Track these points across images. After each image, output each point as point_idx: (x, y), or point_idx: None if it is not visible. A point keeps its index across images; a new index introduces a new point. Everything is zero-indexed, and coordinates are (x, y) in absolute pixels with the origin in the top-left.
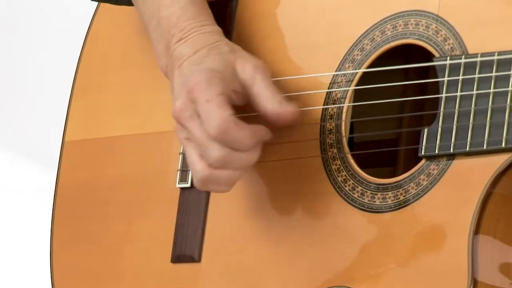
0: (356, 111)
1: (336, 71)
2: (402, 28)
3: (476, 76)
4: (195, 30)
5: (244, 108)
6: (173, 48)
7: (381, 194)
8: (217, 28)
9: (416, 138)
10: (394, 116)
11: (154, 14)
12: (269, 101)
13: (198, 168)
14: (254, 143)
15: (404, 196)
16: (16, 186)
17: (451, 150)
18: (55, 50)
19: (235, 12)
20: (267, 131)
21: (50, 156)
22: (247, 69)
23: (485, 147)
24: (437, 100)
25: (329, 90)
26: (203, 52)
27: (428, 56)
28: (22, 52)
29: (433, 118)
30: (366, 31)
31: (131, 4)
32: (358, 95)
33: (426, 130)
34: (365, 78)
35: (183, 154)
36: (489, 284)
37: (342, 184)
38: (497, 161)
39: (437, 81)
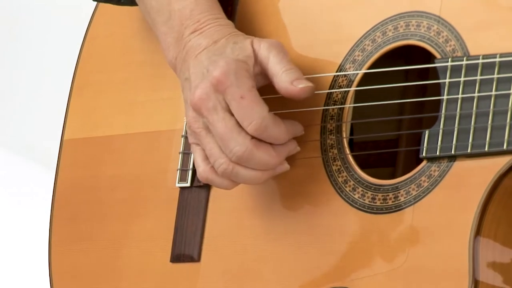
0: (356, 112)
1: (337, 71)
2: (404, 29)
3: (478, 78)
4: (210, 22)
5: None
6: (187, 40)
7: (382, 195)
8: (230, 22)
9: (416, 139)
10: (394, 118)
11: (163, 8)
12: (279, 78)
13: (222, 160)
14: (287, 138)
15: (405, 197)
16: (15, 185)
17: (452, 152)
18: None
19: (236, 11)
20: (301, 127)
21: (49, 155)
22: (263, 48)
23: (486, 149)
24: (438, 102)
25: (330, 90)
26: (222, 43)
27: (429, 58)
28: (21, 51)
29: (433, 119)
30: (367, 31)
31: (133, 4)
32: (358, 96)
33: (427, 131)
34: (366, 79)
35: (183, 153)
36: (490, 285)
37: (343, 185)
38: (499, 163)
39: (438, 83)
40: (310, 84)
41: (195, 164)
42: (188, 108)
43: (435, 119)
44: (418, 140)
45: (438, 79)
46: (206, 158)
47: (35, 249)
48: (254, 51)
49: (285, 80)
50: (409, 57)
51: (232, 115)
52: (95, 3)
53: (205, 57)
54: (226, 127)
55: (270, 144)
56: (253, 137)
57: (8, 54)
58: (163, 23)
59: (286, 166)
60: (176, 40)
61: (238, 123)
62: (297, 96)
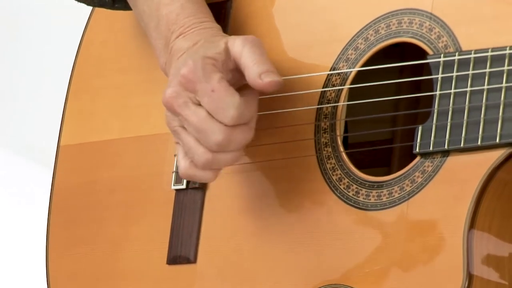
0: (350, 111)
1: (330, 70)
2: (396, 27)
3: (470, 72)
4: (195, 26)
5: None
6: (172, 44)
7: (376, 192)
8: (216, 25)
9: (410, 139)
10: (388, 115)
11: (153, 13)
12: (249, 70)
13: (199, 152)
14: (256, 111)
15: (399, 193)
16: (15, 185)
17: (446, 147)
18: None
19: (230, 13)
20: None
21: (49, 155)
22: (237, 43)
23: (479, 143)
24: (432, 99)
25: (324, 89)
26: (200, 43)
27: (422, 56)
28: (21, 51)
29: (427, 116)
30: (360, 30)
31: (128, 8)
32: (352, 94)
33: (420, 127)
34: (360, 77)
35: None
36: (485, 279)
37: (337, 183)
38: (492, 157)
39: (431, 80)
40: (277, 78)
41: (177, 161)
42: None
43: (429, 116)
44: (412, 140)
45: (430, 75)
46: (186, 154)
47: (35, 249)
48: (227, 48)
49: (254, 72)
50: (402, 56)
51: (203, 107)
52: (91, 8)
53: (182, 59)
54: (199, 118)
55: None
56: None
57: (8, 54)
58: (154, 28)
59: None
60: (165, 45)
61: (209, 113)
62: (264, 90)
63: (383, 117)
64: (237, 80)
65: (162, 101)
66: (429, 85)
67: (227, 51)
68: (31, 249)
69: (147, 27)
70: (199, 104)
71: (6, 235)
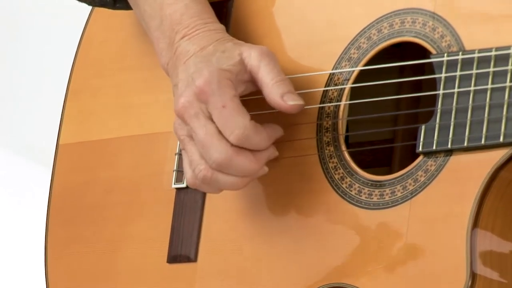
0: (351, 110)
1: (332, 69)
2: (399, 26)
3: (474, 72)
4: (199, 28)
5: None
6: (177, 45)
7: (379, 191)
8: (220, 26)
9: (412, 138)
10: (390, 114)
11: (156, 13)
12: (270, 89)
13: (200, 167)
14: (269, 144)
15: (401, 192)
16: (15, 185)
17: (449, 146)
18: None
19: (231, 12)
20: (281, 131)
21: (48, 155)
22: (253, 56)
23: (483, 142)
24: (433, 99)
25: (326, 88)
26: (210, 50)
27: (425, 56)
28: (21, 51)
29: (429, 116)
30: (363, 29)
31: (128, 8)
32: (354, 94)
33: (423, 126)
34: (362, 77)
35: (179, 154)
36: (488, 278)
37: (339, 182)
38: (495, 156)
39: (433, 80)
40: (300, 102)
41: (184, 170)
42: (175, 115)
43: (430, 116)
44: (414, 138)
45: (433, 75)
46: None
47: (35, 249)
48: (243, 60)
49: (276, 92)
50: (404, 56)
51: (213, 123)
52: (90, 7)
53: (192, 64)
54: (207, 133)
55: (250, 150)
56: (233, 145)
57: (8, 54)
58: (156, 28)
59: (265, 169)
60: (168, 46)
61: (219, 130)
62: (286, 111)
63: (384, 116)
64: (250, 91)
65: (174, 109)
66: (430, 85)
67: (242, 63)
68: (31, 249)
69: (148, 26)
70: (210, 118)
71: (6, 235)
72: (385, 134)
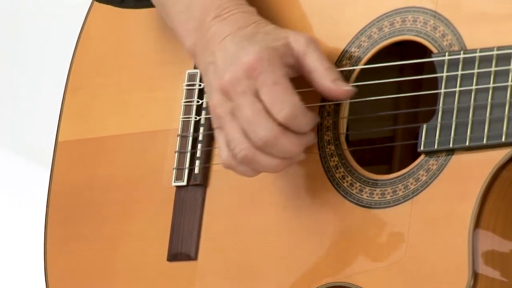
0: (351, 109)
1: None
2: (400, 25)
3: (475, 71)
4: (232, 9)
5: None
6: (209, 25)
7: (380, 190)
8: (252, 8)
9: (411, 136)
10: (390, 113)
11: None
12: (320, 74)
13: (243, 145)
14: (310, 129)
15: (403, 191)
16: (15, 185)
17: (451, 145)
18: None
19: None
20: (318, 118)
21: (49, 155)
22: (301, 41)
23: (485, 141)
24: (433, 98)
25: None
26: (248, 31)
27: (424, 55)
28: (21, 50)
29: (428, 115)
30: (364, 28)
31: (136, 7)
32: (355, 93)
33: (424, 125)
34: (363, 75)
35: (179, 152)
36: (490, 277)
37: (340, 181)
38: (497, 156)
39: (433, 79)
40: (352, 88)
41: (218, 150)
42: (213, 92)
43: (431, 115)
44: (414, 137)
45: (434, 74)
46: (227, 144)
47: (35, 249)
48: (289, 43)
49: (328, 78)
50: (404, 55)
51: (261, 101)
52: (89, 3)
53: (230, 43)
54: (254, 111)
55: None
56: (279, 124)
57: (8, 54)
58: (181, 12)
59: (303, 155)
60: (197, 27)
61: (265, 108)
62: (337, 96)
63: (384, 115)
64: (290, 76)
65: (219, 85)
66: (430, 84)
67: (288, 46)
68: (31, 248)
69: (169, 12)
70: (257, 95)
71: (6, 235)
72: (385, 132)
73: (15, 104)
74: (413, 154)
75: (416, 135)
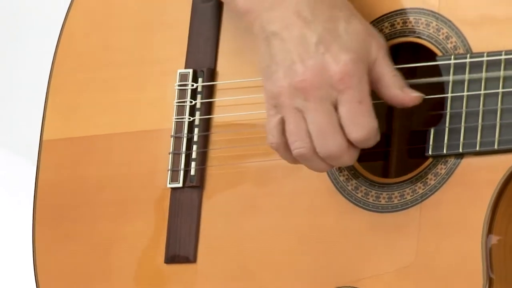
0: None
1: None
2: (401, 26)
3: (483, 75)
4: None
5: None
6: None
7: (387, 194)
8: None
9: (407, 132)
10: (389, 112)
11: None
12: (391, 84)
13: (303, 145)
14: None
15: (411, 196)
16: (15, 185)
17: (460, 150)
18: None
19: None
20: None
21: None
22: (374, 47)
23: (496, 147)
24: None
25: None
26: (335, 14)
27: (418, 57)
28: (21, 50)
29: (421, 112)
30: None
31: None
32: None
33: (432, 129)
34: None
35: (173, 154)
36: (503, 282)
37: (345, 184)
38: (508, 161)
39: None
40: (420, 94)
41: (267, 130)
42: (282, 78)
43: (425, 113)
44: (409, 134)
45: (427, 77)
46: (284, 132)
47: (21, 251)
48: (370, 52)
49: (396, 85)
50: (397, 56)
51: (337, 113)
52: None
53: (312, 33)
54: (328, 122)
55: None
56: (348, 141)
57: (8, 54)
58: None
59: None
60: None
61: (340, 122)
62: (407, 104)
63: (381, 113)
64: None
65: (296, 81)
66: (430, 84)
67: (368, 50)
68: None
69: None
70: (335, 105)
71: (6, 235)
72: (381, 128)
73: (15, 104)
74: (410, 151)
75: (410, 132)
